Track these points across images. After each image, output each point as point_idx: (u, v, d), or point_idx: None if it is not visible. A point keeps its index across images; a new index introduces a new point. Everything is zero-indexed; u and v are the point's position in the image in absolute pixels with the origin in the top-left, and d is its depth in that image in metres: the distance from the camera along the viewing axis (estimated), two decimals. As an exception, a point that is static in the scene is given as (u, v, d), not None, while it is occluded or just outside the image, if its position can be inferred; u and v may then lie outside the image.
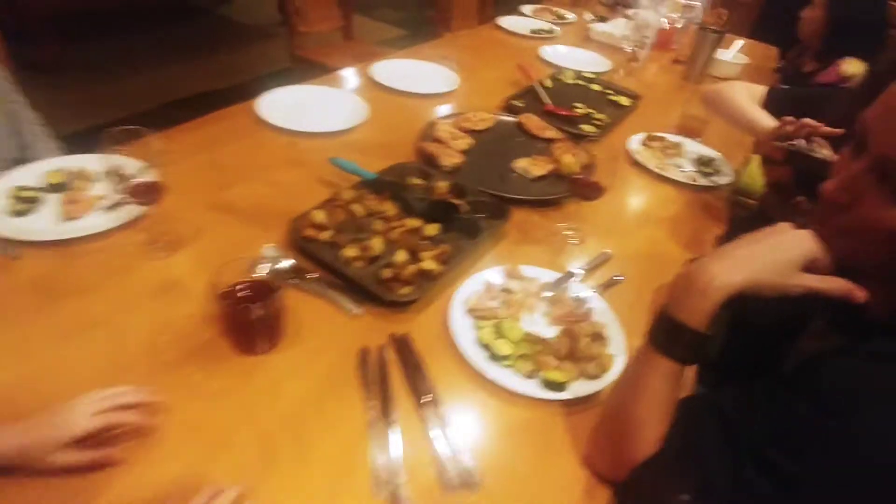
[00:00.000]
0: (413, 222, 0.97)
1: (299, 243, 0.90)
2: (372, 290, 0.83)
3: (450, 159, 1.20)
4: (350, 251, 0.89)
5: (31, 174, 0.96)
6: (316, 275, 0.86)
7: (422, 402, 0.71)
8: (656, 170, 1.35)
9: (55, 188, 0.94)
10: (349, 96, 1.44)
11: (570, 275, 0.95)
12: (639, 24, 2.03)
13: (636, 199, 1.30)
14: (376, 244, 0.90)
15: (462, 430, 0.69)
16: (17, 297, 0.77)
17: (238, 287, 0.72)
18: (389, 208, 0.99)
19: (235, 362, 0.73)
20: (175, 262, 0.86)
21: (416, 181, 1.10)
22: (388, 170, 1.11)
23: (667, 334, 0.62)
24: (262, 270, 0.76)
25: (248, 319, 0.70)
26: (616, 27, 2.29)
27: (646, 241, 1.14)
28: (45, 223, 0.88)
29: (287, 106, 1.32)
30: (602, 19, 2.55)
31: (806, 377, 0.56)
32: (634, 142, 1.46)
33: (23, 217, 0.88)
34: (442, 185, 1.08)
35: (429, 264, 0.88)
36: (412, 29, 4.57)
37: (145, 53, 3.47)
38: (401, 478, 0.62)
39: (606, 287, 0.97)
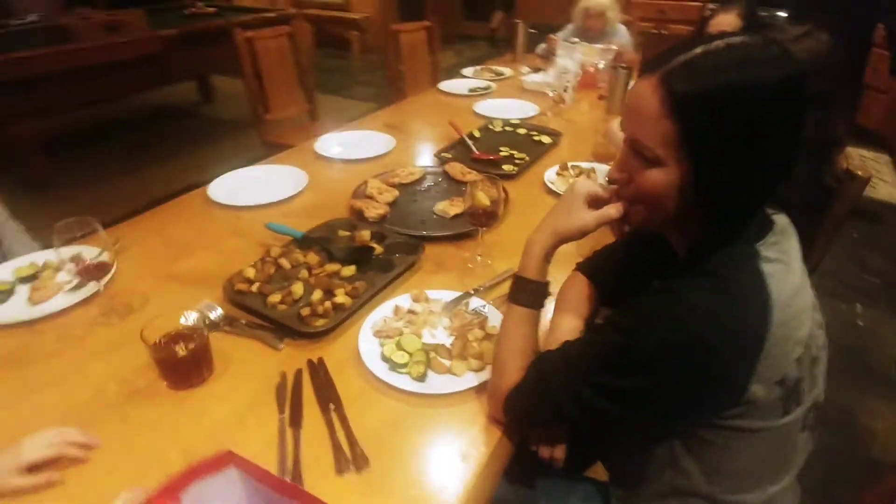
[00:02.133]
0: (333, 267, 1.12)
1: (232, 296, 1.05)
2: (291, 326, 0.97)
3: (375, 211, 1.36)
4: (275, 298, 1.03)
5: (5, 270, 1.13)
6: (243, 321, 1.01)
7: (329, 409, 0.84)
8: (566, 194, 1.51)
9: (25, 280, 1.11)
10: (291, 170, 1.63)
11: (469, 293, 1.08)
12: (559, 71, 2.26)
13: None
14: (297, 289, 1.05)
15: (361, 426, 0.81)
16: (-10, 371, 0.91)
17: (166, 336, 0.86)
18: (312, 259, 1.15)
19: (169, 396, 0.86)
20: (125, 326, 1.01)
21: (344, 233, 1.26)
22: (317, 227, 1.28)
23: (515, 287, 0.83)
24: (189, 320, 0.90)
25: (175, 359, 0.84)
26: (546, 76, 2.53)
27: (560, 259, 1.27)
28: (16, 309, 1.04)
29: (234, 186, 1.51)
30: (536, 71, 2.80)
31: (617, 313, 0.70)
32: (550, 173, 1.62)
33: (-3, 307, 1.04)
34: (364, 234, 1.23)
35: (341, 298, 1.02)
36: (382, 103, 4.91)
37: (132, 157, 3.79)
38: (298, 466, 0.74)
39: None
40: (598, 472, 1.06)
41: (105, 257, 0.99)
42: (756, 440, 0.70)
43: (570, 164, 1.66)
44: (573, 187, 0.82)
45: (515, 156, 1.77)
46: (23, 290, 1.09)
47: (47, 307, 1.04)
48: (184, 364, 0.85)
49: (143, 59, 3.38)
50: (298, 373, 0.91)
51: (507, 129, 2.02)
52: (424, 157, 1.78)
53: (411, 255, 1.19)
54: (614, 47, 2.56)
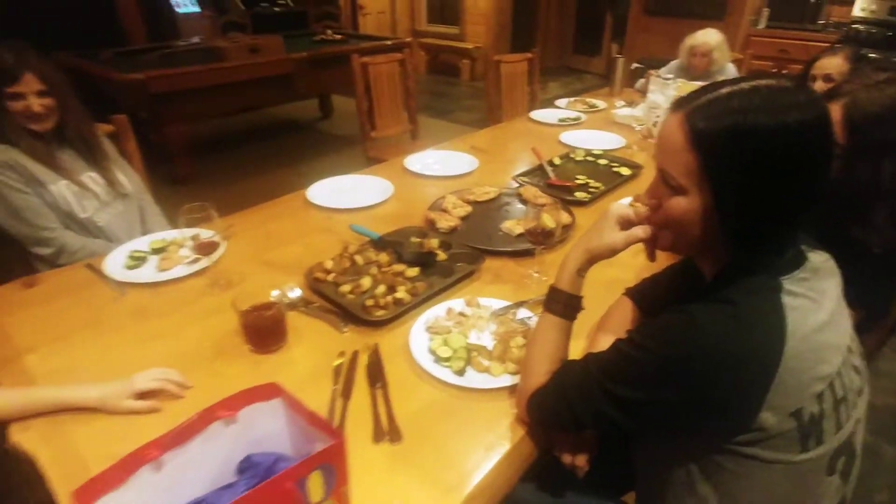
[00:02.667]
0: (399, 267, 1.25)
1: (311, 283, 1.22)
2: (356, 314, 1.11)
3: (446, 223, 1.49)
4: (345, 288, 1.18)
5: (142, 242, 1.39)
6: (317, 304, 1.16)
7: (376, 387, 0.95)
8: (635, 225, 1.53)
9: (156, 251, 1.36)
10: (379, 181, 1.81)
11: (517, 304, 1.16)
12: (649, 106, 2.27)
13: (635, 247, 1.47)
14: (365, 282, 1.19)
15: (402, 406, 0.92)
16: (119, 319, 1.14)
17: (253, 307, 1.03)
18: (384, 258, 1.29)
19: (249, 358, 1.02)
20: (224, 297, 1.20)
21: (415, 239, 1.39)
22: (393, 232, 1.42)
23: (549, 297, 0.90)
24: (273, 297, 1.07)
25: (257, 326, 1.00)
26: (635, 110, 2.54)
27: (608, 278, 1.30)
28: (147, 273, 1.28)
29: (329, 191, 1.71)
30: (631, 105, 2.81)
31: (635, 329, 0.75)
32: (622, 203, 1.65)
33: (133, 270, 1.29)
34: (432, 241, 1.36)
35: (401, 294, 1.14)
36: (481, 128, 5.11)
37: (260, 162, 4.28)
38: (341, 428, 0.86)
39: (555, 315, 1.16)
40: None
41: (216, 238, 1.20)
42: (773, 473, 0.71)
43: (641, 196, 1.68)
44: (607, 210, 0.88)
45: (591, 184, 1.81)
46: (153, 260, 1.33)
47: (170, 274, 1.27)
48: (263, 331, 1.02)
49: (278, 77, 3.85)
50: (355, 354, 1.04)
51: (589, 158, 2.07)
52: (503, 179, 1.89)
53: (472, 264, 1.29)
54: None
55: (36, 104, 1.43)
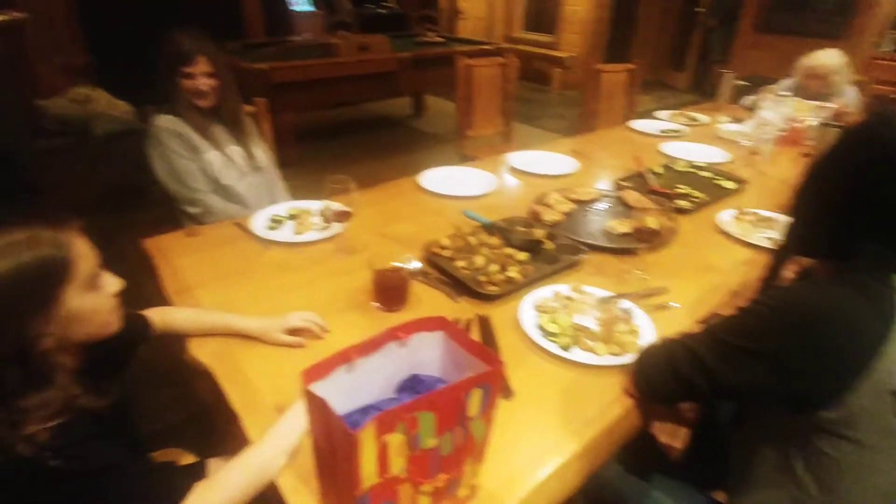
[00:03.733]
0: (509, 251, 1.35)
1: (429, 256, 1.34)
2: (470, 287, 1.22)
3: (551, 216, 1.57)
4: (460, 263, 1.29)
5: (281, 208, 1.58)
6: (433, 275, 1.28)
7: (488, 352, 1.06)
8: (739, 236, 1.55)
9: (292, 217, 1.54)
10: (485, 174, 1.92)
11: (621, 295, 1.22)
12: (760, 122, 2.24)
13: (707, 255, 1.50)
14: (479, 260, 1.30)
15: (512, 371, 1.01)
16: (265, 269, 1.32)
17: (384, 269, 1.17)
18: (494, 241, 1.39)
19: (375, 315, 1.16)
20: (350, 260, 1.36)
21: (520, 228, 1.48)
22: (501, 220, 1.53)
23: None
24: (398, 264, 1.20)
25: (386, 285, 1.14)
26: (743, 126, 2.50)
27: (706, 284, 1.34)
28: (285, 234, 1.46)
29: (439, 178, 1.84)
30: (737, 121, 2.76)
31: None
32: (726, 214, 1.67)
33: (273, 231, 1.47)
34: (539, 231, 1.44)
35: (513, 273, 1.24)
36: (567, 135, 5.13)
37: (354, 152, 4.54)
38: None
39: (658, 308, 1.22)
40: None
41: (349, 209, 1.35)
42: (873, 459, 0.73)
43: (748, 210, 1.68)
44: None
45: (692, 195, 1.83)
46: (290, 224, 1.51)
47: (304, 237, 1.44)
48: (392, 290, 1.15)
49: (382, 74, 4.09)
50: (469, 321, 1.15)
51: (691, 169, 2.08)
52: (603, 182, 1.94)
53: (575, 255, 1.37)
54: (832, 105, 2.43)
55: (203, 83, 1.66)
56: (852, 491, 0.76)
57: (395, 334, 0.67)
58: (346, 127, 5.37)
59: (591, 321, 1.15)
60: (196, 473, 0.95)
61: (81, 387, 0.70)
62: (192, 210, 1.74)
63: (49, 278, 0.67)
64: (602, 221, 1.60)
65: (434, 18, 7.22)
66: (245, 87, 3.54)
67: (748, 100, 3.04)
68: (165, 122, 1.67)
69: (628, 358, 1.03)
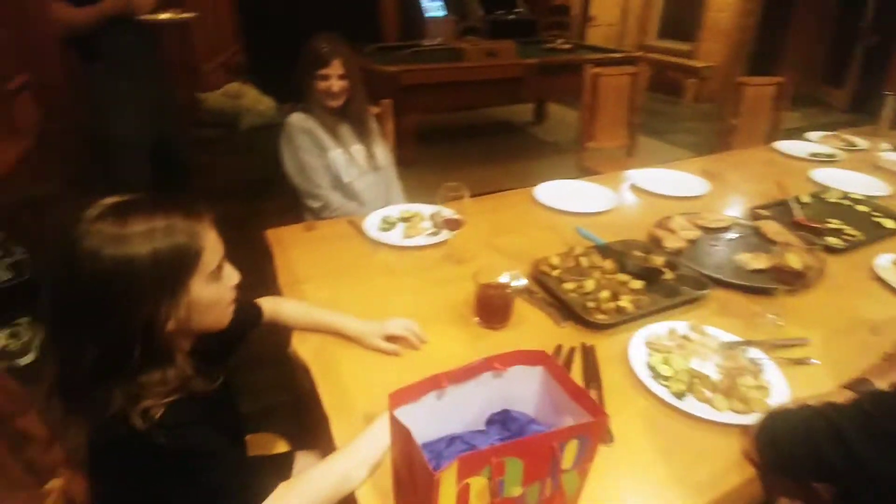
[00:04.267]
0: (623, 277, 1.25)
1: (536, 274, 1.29)
2: (577, 312, 1.15)
3: (673, 243, 1.44)
4: (569, 285, 1.22)
5: (394, 210, 1.61)
6: (539, 295, 1.22)
7: (588, 386, 0.98)
8: (900, 286, 1.31)
9: (403, 220, 1.56)
10: (603, 190, 1.81)
11: (751, 342, 1.08)
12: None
13: (860, 305, 1.28)
14: (589, 284, 1.22)
15: (614, 411, 0.92)
16: (372, 270, 1.35)
17: (489, 284, 1.13)
18: (608, 265, 1.30)
19: (474, 330, 1.13)
20: (456, 270, 1.34)
21: (638, 253, 1.37)
22: (616, 242, 1.43)
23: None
24: (503, 279, 1.16)
25: (489, 301, 1.10)
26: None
27: (857, 342, 1.14)
28: (395, 237, 1.48)
29: (554, 192, 1.77)
30: (905, 149, 2.36)
31: None
32: (884, 259, 1.42)
33: (384, 232, 1.50)
34: (658, 259, 1.33)
35: (625, 303, 1.15)
36: (700, 153, 4.74)
37: (471, 157, 4.57)
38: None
39: (794, 362, 1.06)
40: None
41: (460, 217, 1.34)
42: None
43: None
44: None
45: (845, 231, 1.58)
46: (400, 227, 1.54)
47: (413, 241, 1.45)
48: (494, 307, 1.11)
49: (508, 80, 4.07)
50: (572, 349, 1.08)
51: (845, 202, 1.80)
52: (736, 209, 1.75)
53: (698, 290, 1.24)
54: None
55: (336, 85, 1.74)
56: None
57: (491, 364, 0.64)
58: (465, 131, 5.43)
59: (711, 368, 1.03)
60: (283, 467, 0.99)
61: (194, 370, 0.75)
62: (312, 204, 1.84)
63: (181, 266, 0.72)
64: (733, 254, 1.43)
65: (564, 24, 7.08)
66: (376, 88, 3.71)
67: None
68: (298, 119, 1.78)
69: (753, 418, 0.90)
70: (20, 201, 2.80)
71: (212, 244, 0.76)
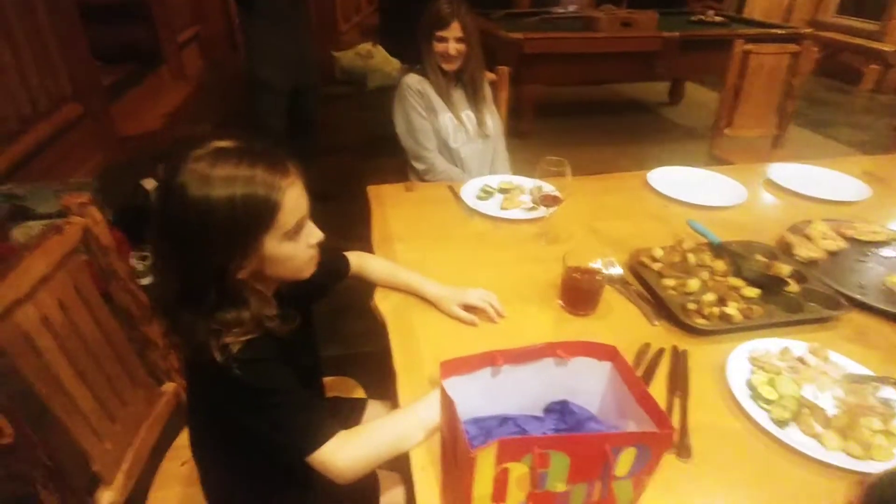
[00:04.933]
0: (737, 282, 1.11)
1: (634, 265, 1.19)
2: (674, 311, 1.04)
3: (808, 252, 1.24)
4: (669, 282, 1.11)
5: (494, 180, 1.57)
6: (633, 288, 1.13)
7: (672, 394, 0.89)
8: None
9: (502, 191, 1.51)
10: (732, 183, 1.61)
11: (887, 379, 0.91)
12: None
13: None
14: (693, 284, 1.10)
15: (698, 424, 0.83)
16: (464, 237, 1.34)
17: (579, 268, 1.06)
18: (719, 266, 1.16)
19: (557, 313, 1.08)
20: (550, 249, 1.28)
21: (761, 258, 1.21)
22: (736, 242, 1.27)
23: None
24: (597, 265, 1.08)
25: (575, 287, 1.03)
26: None
27: None
28: (491, 207, 1.45)
29: (672, 179, 1.61)
30: None
31: None
32: None
33: (481, 201, 1.47)
34: (784, 267, 1.16)
35: (732, 311, 1.02)
36: (866, 151, 4.07)
37: (594, 135, 4.35)
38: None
39: (940, 413, 0.87)
40: None
41: (559, 193, 1.27)
42: None
43: None
44: None
45: None
46: (498, 198, 1.50)
47: (510, 214, 1.41)
48: (580, 293, 1.05)
49: (642, 54, 3.77)
50: (661, 351, 0.98)
51: None
52: (901, 221, 1.47)
53: (829, 309, 1.06)
54: None
55: (453, 48, 1.71)
56: None
57: (554, 351, 0.59)
58: (591, 106, 5.16)
59: (828, 401, 0.88)
60: (354, 412, 1.03)
61: (273, 311, 0.78)
62: (418, 166, 1.86)
63: (255, 216, 0.73)
64: (884, 274, 1.21)
65: (721, -6, 6.37)
66: (499, 55, 3.65)
67: None
68: (412, 80, 1.78)
69: (871, 466, 0.76)
70: (177, 139, 3.20)
71: (292, 202, 0.75)
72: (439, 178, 1.80)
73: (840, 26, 6.16)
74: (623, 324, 1.06)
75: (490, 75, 2.00)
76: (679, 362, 0.96)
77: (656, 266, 1.16)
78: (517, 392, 0.63)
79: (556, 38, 3.65)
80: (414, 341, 0.99)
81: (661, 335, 1.03)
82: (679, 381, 0.92)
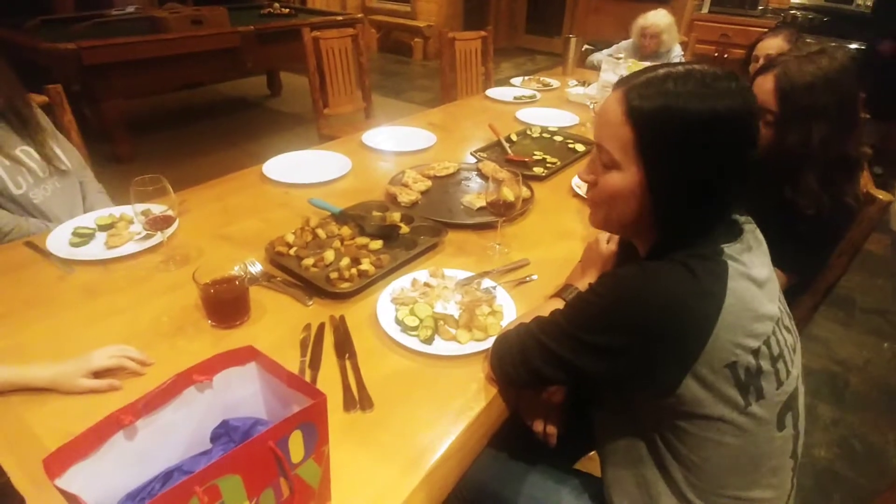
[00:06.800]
0: (362, 240, 1.24)
1: (273, 257, 1.19)
2: (320, 286, 1.10)
3: (407, 197, 1.48)
4: (308, 261, 1.16)
5: (87, 219, 1.32)
6: (279, 279, 1.14)
7: (344, 357, 0.95)
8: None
9: (104, 228, 1.29)
10: (337, 156, 1.78)
11: (481, 274, 1.18)
12: (602, 84, 2.32)
13: (564, 221, 1.52)
14: (329, 255, 1.18)
15: (371, 376, 0.92)
16: (68, 297, 1.09)
17: (214, 281, 1.01)
18: (346, 232, 1.28)
19: (211, 333, 1.00)
20: (181, 273, 1.16)
21: (377, 213, 1.38)
22: (354, 206, 1.41)
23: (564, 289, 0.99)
24: (234, 271, 1.05)
25: (218, 300, 0.98)
26: (588, 89, 2.59)
27: (565, 251, 1.35)
28: (94, 250, 1.22)
29: (285, 166, 1.67)
30: (584, 84, 2.87)
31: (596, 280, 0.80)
32: (577, 178, 1.70)
33: (78, 248, 1.22)
34: (394, 215, 1.35)
35: (366, 266, 1.14)
36: (433, 107, 5.08)
37: (206, 141, 4.10)
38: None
39: (518, 283, 1.19)
40: (592, 468, 1.11)
41: (170, 212, 1.15)
42: (724, 432, 0.74)
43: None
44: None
45: (548, 160, 1.85)
46: (101, 237, 1.27)
47: (120, 251, 1.21)
48: (225, 305, 0.99)
49: (223, 52, 3.69)
50: (321, 326, 1.03)
51: (545, 135, 2.11)
52: (461, 155, 1.90)
53: (434, 237, 1.30)
54: (666, 61, 2.60)
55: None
56: (711, 460, 0.76)
57: (189, 378, 0.54)
58: (197, 112, 4.84)
59: (453, 308, 1.09)
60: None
61: None
62: (-27, 232, 1.41)
63: None
64: (461, 197, 1.55)
65: (281, -12, 6.71)
66: (50, 72, 3.02)
67: (594, 59, 3.18)
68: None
69: (491, 342, 0.99)
70: None
71: None
72: (11, 238, 1.40)
73: (385, 10, 7.34)
74: (282, 316, 1.06)
75: (39, 98, 1.64)
76: (340, 328, 1.02)
77: (293, 251, 1.20)
78: (172, 438, 0.56)
79: (122, 45, 3.22)
80: (40, 446, 0.77)
81: (318, 312, 1.07)
82: (346, 345, 0.99)
